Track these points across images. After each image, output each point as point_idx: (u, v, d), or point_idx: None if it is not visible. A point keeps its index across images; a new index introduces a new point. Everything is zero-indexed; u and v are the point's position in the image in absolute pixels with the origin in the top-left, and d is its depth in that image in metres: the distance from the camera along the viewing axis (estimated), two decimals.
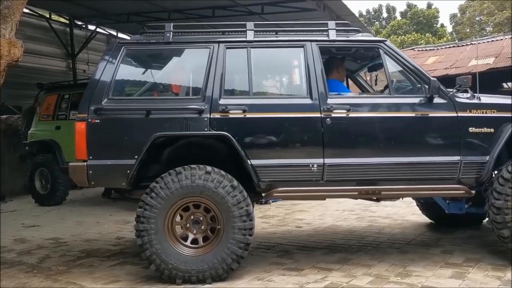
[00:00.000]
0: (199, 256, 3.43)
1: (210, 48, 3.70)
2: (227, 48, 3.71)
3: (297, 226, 5.42)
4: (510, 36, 18.53)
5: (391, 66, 3.81)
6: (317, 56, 3.70)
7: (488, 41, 18.75)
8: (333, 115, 3.57)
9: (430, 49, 19.96)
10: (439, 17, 36.31)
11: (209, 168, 3.44)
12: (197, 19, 9.49)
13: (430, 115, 3.65)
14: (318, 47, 3.74)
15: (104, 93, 3.57)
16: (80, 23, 12.63)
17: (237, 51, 3.75)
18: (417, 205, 5.19)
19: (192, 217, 3.51)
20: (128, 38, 7.56)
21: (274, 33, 3.91)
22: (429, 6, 36.92)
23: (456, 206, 4.20)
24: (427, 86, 3.62)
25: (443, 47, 20.78)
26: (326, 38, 3.81)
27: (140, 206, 3.43)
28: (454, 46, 20.34)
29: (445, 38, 31.59)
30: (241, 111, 3.57)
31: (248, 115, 3.57)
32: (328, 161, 3.55)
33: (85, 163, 3.52)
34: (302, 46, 3.74)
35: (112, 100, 3.58)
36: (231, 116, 3.55)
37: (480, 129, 3.63)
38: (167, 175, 3.43)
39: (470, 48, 18.61)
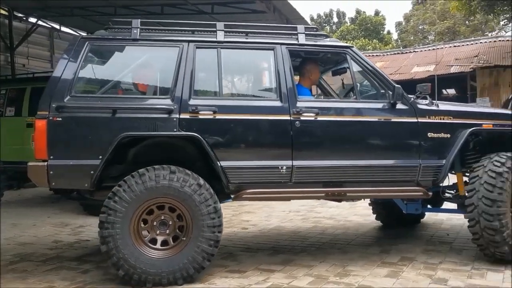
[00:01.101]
0: (169, 258, 3.36)
1: (179, 47, 3.63)
2: (197, 47, 3.65)
3: (243, 228, 5.42)
4: (449, 45, 19.55)
5: (357, 72, 3.92)
6: (287, 59, 3.73)
7: (429, 49, 19.71)
8: (302, 118, 3.62)
9: (377, 55, 20.72)
10: (385, 24, 37.73)
11: (173, 167, 3.38)
12: (145, 15, 9.29)
13: (393, 120, 3.78)
14: (288, 50, 3.77)
15: (67, 90, 3.40)
16: (20, 15, 12.01)
17: (207, 51, 3.70)
18: (371, 206, 5.33)
19: (160, 218, 3.42)
20: (72, 32, 7.29)
21: (244, 34, 3.89)
22: (377, 13, 38.24)
23: (412, 207, 4.37)
24: (391, 92, 3.76)
25: (388, 53, 21.65)
26: (296, 42, 3.85)
27: (103, 211, 3.31)
28: (398, 53, 21.22)
29: (390, 45, 32.85)
30: (211, 112, 3.52)
31: (218, 116, 3.53)
32: (296, 163, 3.59)
33: (46, 163, 3.34)
34: (272, 49, 3.76)
35: (75, 97, 3.42)
36: (201, 117, 3.51)
37: (438, 135, 3.81)
38: (131, 177, 3.33)
39: (413, 56, 19.48)
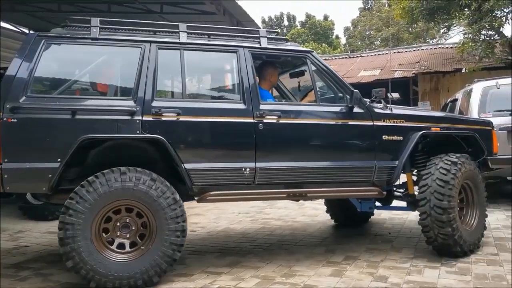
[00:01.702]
0: (130, 261, 3.29)
1: (141, 47, 3.56)
2: (159, 48, 3.60)
3: (191, 230, 5.37)
4: (394, 51, 20.35)
5: (316, 76, 4.04)
6: (249, 62, 3.78)
7: (375, 55, 20.44)
8: (265, 120, 3.67)
9: (326, 59, 21.19)
10: (334, 29, 38.74)
11: (139, 169, 3.31)
12: (91, 13, 9.00)
13: (351, 123, 3.93)
14: (251, 54, 3.82)
15: (22, 90, 3.24)
16: None
17: (169, 52, 3.66)
18: (326, 205, 5.56)
19: (120, 221, 3.35)
20: (12, 28, 6.91)
21: (206, 36, 3.87)
22: (326, 18, 39.19)
23: (366, 205, 4.58)
24: (348, 96, 3.91)
25: (337, 57, 22.24)
26: (258, 45, 3.90)
27: (63, 212, 3.18)
28: (346, 57, 21.86)
29: (339, 49, 33.79)
30: (175, 114, 3.48)
31: (182, 118, 3.50)
32: (259, 165, 3.63)
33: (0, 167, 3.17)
34: (236, 52, 3.79)
35: (31, 98, 3.26)
36: (164, 119, 3.46)
37: (391, 137, 4.01)
38: (95, 178, 3.23)
39: (360, 60, 20.11)
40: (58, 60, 3.61)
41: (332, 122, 3.90)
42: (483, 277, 3.41)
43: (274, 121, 3.71)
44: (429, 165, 4.06)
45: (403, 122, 4.09)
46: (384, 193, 4.08)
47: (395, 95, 18.58)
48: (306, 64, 4.03)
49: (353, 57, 21.50)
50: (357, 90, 3.92)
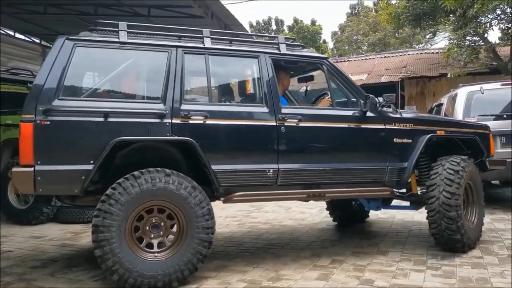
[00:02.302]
0: (164, 260, 3.36)
1: (168, 52, 3.65)
2: (185, 53, 3.69)
3: None
4: (380, 55, 20.54)
5: (331, 81, 4.21)
6: (270, 67, 3.92)
7: (362, 59, 20.59)
8: (286, 124, 3.81)
9: None
10: (322, 33, 38.87)
11: (168, 171, 3.38)
12: (77, 15, 8.93)
13: (365, 126, 4.13)
14: (271, 59, 3.95)
15: (54, 93, 3.28)
16: None
17: (195, 57, 3.76)
18: (327, 206, 5.77)
19: (151, 222, 3.41)
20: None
21: (228, 42, 3.99)
22: (313, 22, 39.37)
23: (374, 205, 4.81)
24: (362, 101, 4.11)
25: None
26: (278, 51, 4.05)
27: (97, 215, 3.22)
28: (334, 62, 21.90)
29: (327, 54, 33.91)
30: (202, 117, 3.59)
31: (209, 121, 3.60)
32: (281, 166, 3.78)
33: (32, 169, 3.18)
34: (257, 57, 3.92)
35: (63, 100, 3.31)
36: (192, 122, 3.55)
37: (402, 140, 4.24)
38: (125, 180, 3.28)
39: (347, 64, 20.22)
40: (88, 63, 3.69)
41: (348, 125, 4.10)
42: (467, 280, 3.44)
43: (295, 124, 3.85)
44: (435, 166, 4.28)
45: (411, 125, 4.31)
46: (395, 193, 4.32)
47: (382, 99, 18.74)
48: (322, 69, 4.20)
49: (341, 61, 21.63)
50: (373, 95, 4.12)
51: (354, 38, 34.70)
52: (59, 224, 6.07)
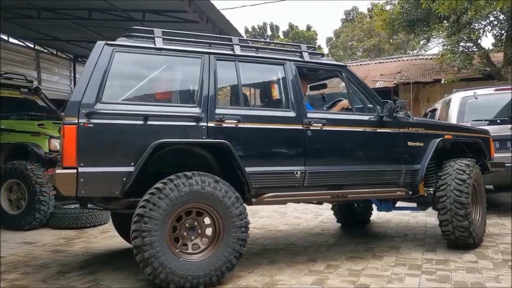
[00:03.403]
0: (204, 260, 3.45)
1: (201, 58, 3.78)
2: (217, 59, 3.83)
3: None
4: (375, 61, 20.64)
5: (350, 88, 4.41)
6: (295, 74, 4.08)
7: (357, 65, 20.65)
8: (312, 128, 3.98)
9: None
10: (317, 39, 39.05)
11: (203, 173, 3.48)
12: (71, 19, 8.92)
13: (382, 130, 4.35)
14: (296, 66, 4.12)
15: (96, 96, 3.36)
16: None
17: (226, 63, 3.90)
18: (333, 209, 5.96)
19: (187, 224, 3.49)
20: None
21: (255, 49, 4.17)
22: (309, 28, 39.60)
23: (386, 206, 4.91)
24: (379, 107, 4.32)
25: None
26: (302, 59, 4.24)
27: (137, 220, 3.26)
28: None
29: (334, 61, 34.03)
30: (235, 121, 3.71)
31: (241, 125, 3.73)
32: (308, 168, 3.94)
33: (75, 171, 3.24)
34: (283, 64, 4.09)
35: (105, 104, 3.39)
36: (226, 125, 3.68)
37: (415, 143, 4.48)
38: (163, 184, 3.33)
39: None
40: (127, 68, 3.74)
41: (367, 129, 4.30)
42: (462, 284, 3.44)
43: (319, 128, 4.02)
44: (444, 167, 4.51)
45: (423, 130, 4.56)
46: (410, 193, 4.49)
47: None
48: (341, 76, 4.41)
49: None
50: (391, 101, 4.31)
51: (349, 43, 34.89)
52: (52, 229, 6.01)
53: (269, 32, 41.84)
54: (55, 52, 12.95)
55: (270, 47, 4.42)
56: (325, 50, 38.83)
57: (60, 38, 11.16)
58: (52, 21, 9.13)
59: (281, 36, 39.83)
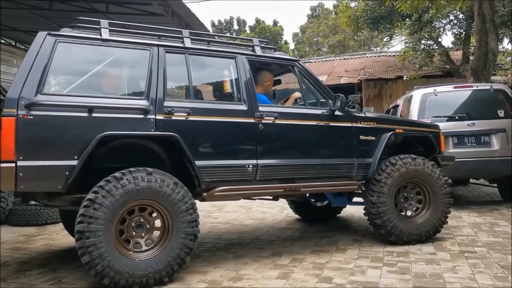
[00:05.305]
0: (153, 258, 3.40)
1: (150, 50, 3.72)
2: (166, 52, 3.77)
3: None
4: (340, 57, 20.95)
5: (302, 82, 4.42)
6: (247, 68, 4.09)
7: (322, 61, 20.92)
8: (263, 121, 3.98)
9: None
10: (283, 34, 39.29)
11: (149, 169, 3.41)
12: (30, 10, 8.59)
13: (335, 124, 4.37)
14: (248, 60, 4.12)
15: (37, 87, 3.22)
16: None
17: (175, 56, 3.84)
18: (289, 205, 6.11)
19: (137, 220, 3.44)
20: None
21: (206, 43, 4.11)
22: (275, 23, 39.71)
23: (340, 200, 4.97)
24: (331, 101, 4.36)
25: None
26: (253, 53, 4.23)
27: (81, 221, 3.16)
28: None
29: (288, 55, 34.28)
30: (185, 114, 3.66)
31: (191, 118, 3.68)
32: (260, 162, 3.93)
33: (14, 164, 3.08)
34: (234, 58, 4.08)
35: (46, 95, 3.25)
36: (175, 118, 3.62)
37: (366, 137, 4.53)
38: (107, 182, 3.26)
39: (308, 66, 20.42)
40: (71, 59, 3.62)
41: (320, 123, 4.32)
42: (421, 276, 3.56)
43: (271, 121, 4.02)
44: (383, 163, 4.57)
45: (375, 124, 4.61)
46: (362, 187, 4.58)
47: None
48: (294, 71, 4.41)
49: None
50: (343, 95, 4.36)
51: (314, 39, 35.25)
52: (11, 227, 5.82)
53: (236, 27, 41.70)
54: (13, 44, 12.46)
55: (221, 40, 4.38)
56: (291, 46, 39.11)
57: (19, 28, 10.74)
58: (10, 11, 8.76)
59: (248, 31, 39.80)
